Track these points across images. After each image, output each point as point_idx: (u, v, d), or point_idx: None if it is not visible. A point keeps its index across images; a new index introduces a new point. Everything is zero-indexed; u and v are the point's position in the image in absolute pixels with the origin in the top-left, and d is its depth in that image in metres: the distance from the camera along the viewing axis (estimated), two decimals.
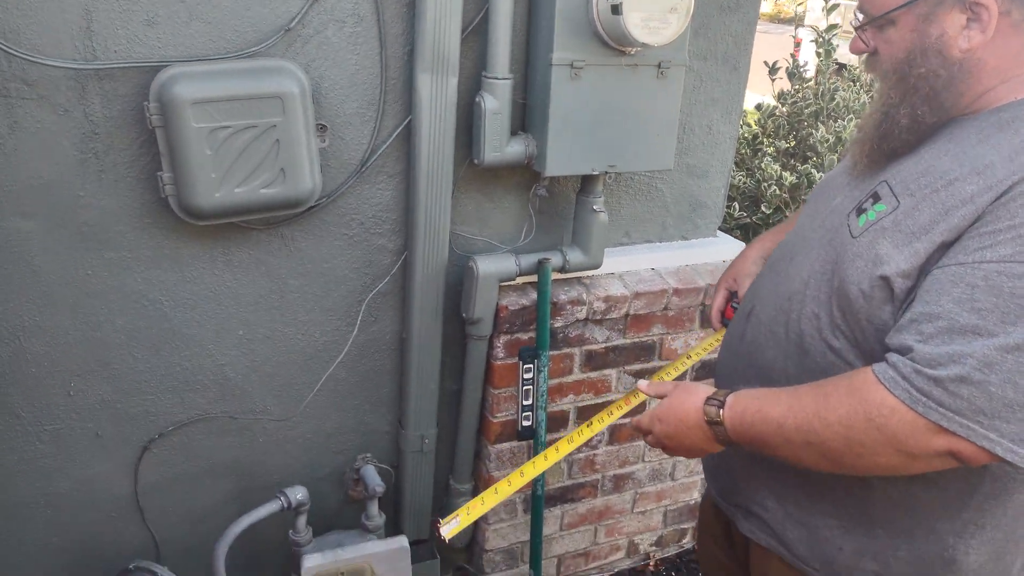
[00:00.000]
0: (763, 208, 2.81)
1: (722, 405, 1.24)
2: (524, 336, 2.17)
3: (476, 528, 2.44)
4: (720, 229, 2.55)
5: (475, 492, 2.40)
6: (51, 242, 1.70)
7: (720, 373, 1.52)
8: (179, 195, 1.65)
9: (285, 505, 1.98)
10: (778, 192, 2.77)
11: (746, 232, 2.88)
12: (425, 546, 2.39)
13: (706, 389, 1.31)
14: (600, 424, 1.70)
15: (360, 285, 2.05)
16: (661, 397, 1.39)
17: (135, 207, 1.72)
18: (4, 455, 1.87)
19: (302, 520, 2.04)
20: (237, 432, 2.07)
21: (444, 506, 2.43)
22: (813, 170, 2.71)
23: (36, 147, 1.59)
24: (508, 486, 1.56)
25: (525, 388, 2.17)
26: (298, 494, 1.99)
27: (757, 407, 1.21)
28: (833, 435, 1.12)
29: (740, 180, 2.84)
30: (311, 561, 1.96)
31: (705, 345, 1.94)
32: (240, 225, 1.82)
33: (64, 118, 1.58)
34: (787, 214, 2.82)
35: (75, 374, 1.85)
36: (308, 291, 1.99)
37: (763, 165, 2.77)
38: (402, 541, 2.06)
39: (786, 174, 2.77)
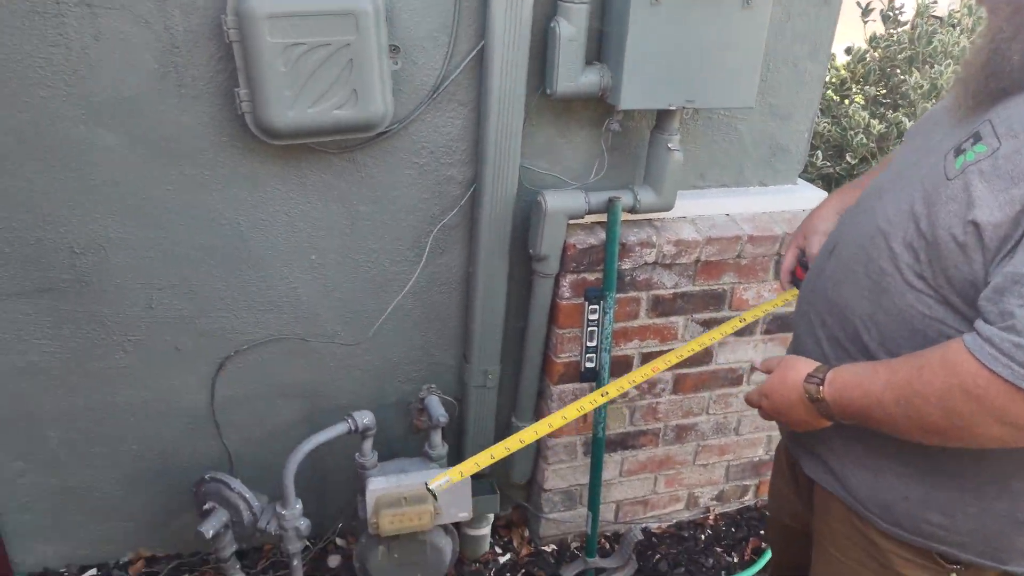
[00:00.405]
0: (848, 158, 2.69)
1: (821, 382, 1.22)
2: (591, 277, 2.16)
3: (535, 467, 2.46)
4: (801, 177, 2.46)
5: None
6: (133, 156, 1.77)
7: (798, 309, 1.48)
8: (255, 112, 1.69)
9: (352, 428, 2.03)
10: (865, 141, 2.65)
11: (828, 183, 2.77)
12: (485, 482, 2.43)
13: (807, 364, 1.27)
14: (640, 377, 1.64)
15: (428, 216, 2.06)
16: (769, 372, 1.37)
17: (213, 124, 1.78)
18: (91, 362, 1.98)
19: (368, 444, 2.09)
20: (308, 355, 2.14)
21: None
22: (904, 118, 2.58)
23: (119, 59, 1.66)
24: (519, 443, 1.62)
25: (590, 329, 2.16)
26: (365, 418, 2.04)
27: (856, 383, 1.18)
28: (933, 410, 1.09)
29: (825, 127, 2.73)
30: (375, 484, 2.02)
31: (766, 306, 1.88)
32: (314, 147, 1.86)
33: (145, 30, 1.64)
34: (873, 165, 2.70)
35: (156, 288, 1.93)
36: (378, 219, 2.02)
37: (850, 112, 2.65)
38: None
39: (874, 122, 2.64)
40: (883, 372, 1.15)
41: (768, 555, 2.55)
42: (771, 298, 2.37)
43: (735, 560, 2.55)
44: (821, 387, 1.21)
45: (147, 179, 1.80)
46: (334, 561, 2.37)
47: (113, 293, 1.91)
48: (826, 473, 1.41)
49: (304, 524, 2.00)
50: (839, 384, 1.20)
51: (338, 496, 2.40)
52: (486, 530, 2.44)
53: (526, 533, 2.58)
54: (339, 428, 2.02)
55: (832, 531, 1.42)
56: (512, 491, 2.56)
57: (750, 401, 1.41)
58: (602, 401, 1.77)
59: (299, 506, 2.00)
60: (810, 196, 2.39)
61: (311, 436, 1.99)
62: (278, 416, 2.20)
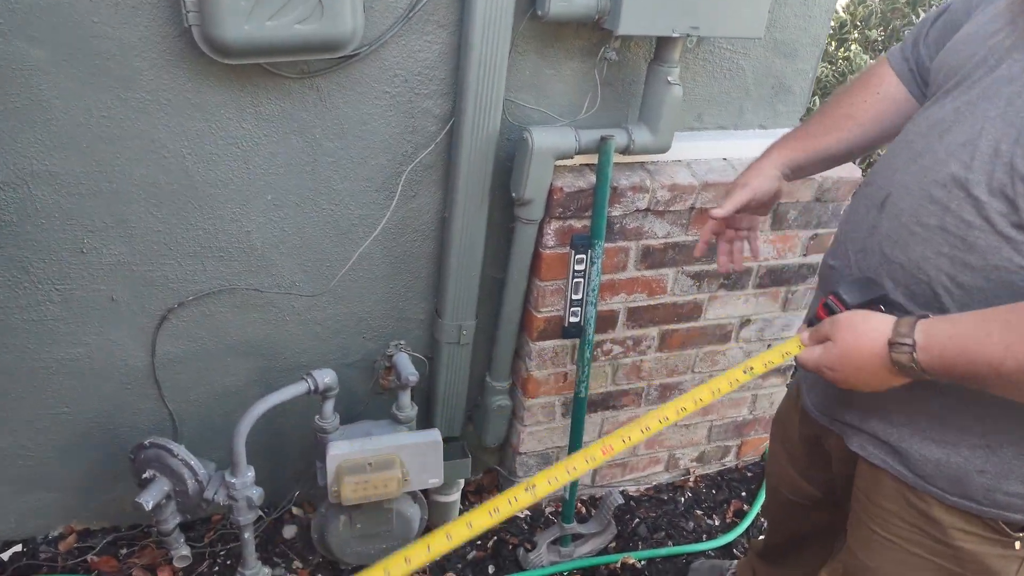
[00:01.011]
0: None
1: (913, 348, 1.03)
2: (578, 224, 1.97)
3: (510, 428, 2.30)
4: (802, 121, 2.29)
5: (513, 391, 2.25)
6: (62, 76, 1.51)
7: (844, 272, 1.30)
8: (203, 25, 1.44)
9: (312, 387, 1.83)
10: None
11: None
12: (456, 444, 2.26)
13: (881, 326, 1.08)
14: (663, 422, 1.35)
15: (401, 154, 1.84)
16: (823, 341, 1.17)
17: (155, 40, 1.52)
18: (13, 314, 1.73)
19: (329, 406, 1.89)
20: (263, 308, 1.92)
21: (479, 404, 2.28)
22: None
23: None
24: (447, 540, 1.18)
25: (575, 280, 1.98)
26: (326, 377, 1.84)
27: (960, 348, 1.00)
28: None
29: (823, 71, 2.56)
30: (337, 449, 1.82)
31: (773, 356, 1.37)
32: (271, 70, 1.61)
33: None
34: None
35: (88, 229, 1.68)
36: (344, 156, 1.79)
37: (850, 55, 2.48)
38: (434, 434, 1.91)
39: None
40: (996, 329, 0.97)
41: (751, 516, 2.45)
42: (767, 248, 2.22)
43: (716, 523, 2.44)
44: (914, 353, 1.03)
45: (79, 102, 1.54)
46: (290, 532, 2.19)
47: (38, 235, 1.65)
48: (878, 448, 1.27)
49: (256, 493, 1.80)
50: (936, 349, 1.02)
51: (295, 461, 2.20)
52: (456, 496, 2.28)
53: None
54: (297, 388, 1.82)
55: (879, 509, 1.29)
56: (484, 454, 2.40)
57: (804, 367, 1.21)
58: (521, 504, 1.23)
59: (251, 474, 1.80)
60: None
61: (265, 396, 1.78)
62: (228, 376, 1.98)
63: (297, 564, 2.10)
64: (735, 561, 2.20)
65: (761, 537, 2.40)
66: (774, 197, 1.48)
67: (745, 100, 2.12)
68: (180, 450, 1.80)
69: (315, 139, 1.75)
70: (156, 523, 1.86)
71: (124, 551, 2.05)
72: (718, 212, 1.45)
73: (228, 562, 2.05)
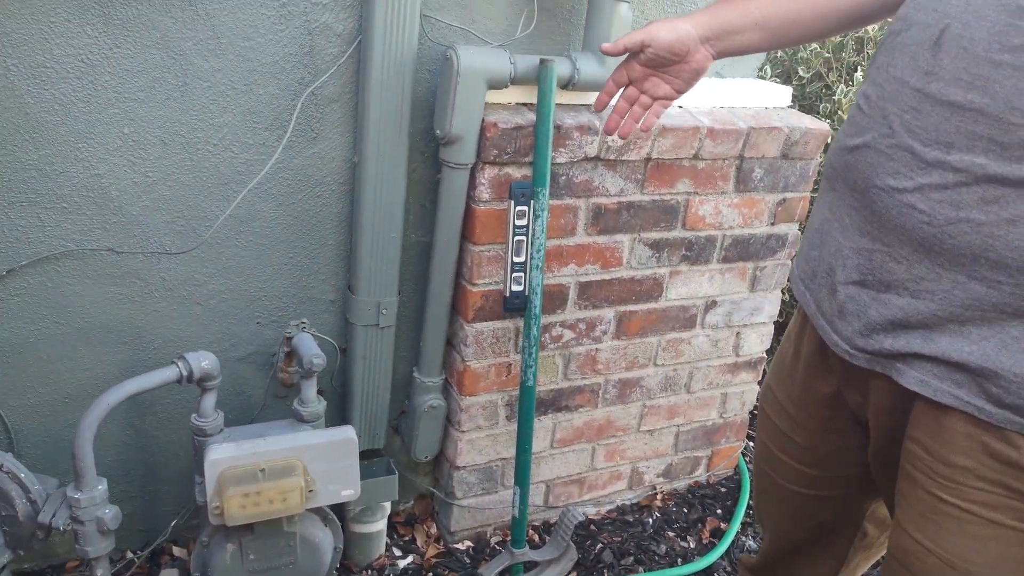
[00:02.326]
0: (800, 72, 2.32)
1: None
2: (517, 173, 1.65)
3: (445, 436, 1.91)
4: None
5: (446, 389, 1.87)
6: None
7: (882, 147, 0.99)
8: None
9: (184, 374, 1.42)
10: (820, 50, 2.29)
11: None
12: (380, 461, 1.85)
13: None
14: None
15: (296, 81, 1.50)
16: None
17: None
18: None
19: (209, 400, 1.48)
20: (123, 279, 1.51)
21: (406, 409, 1.89)
22: None
23: None
24: None
25: (517, 239, 1.64)
26: (203, 361, 1.44)
27: None
28: None
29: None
30: (218, 453, 1.41)
31: None
32: None
33: None
34: (830, 78, 2.33)
35: None
36: (221, 79, 1.44)
37: None
38: (347, 431, 1.52)
39: None
40: None
41: (731, 535, 2.08)
42: (732, 214, 1.93)
43: (691, 545, 2.07)
44: None
45: None
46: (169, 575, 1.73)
47: None
48: (946, 379, 0.96)
49: (109, 513, 1.36)
50: None
51: (174, 488, 1.76)
52: (381, 525, 1.86)
53: (433, 529, 2.01)
54: (165, 374, 1.41)
55: (946, 468, 0.97)
56: (415, 474, 1.99)
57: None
58: None
59: (101, 487, 1.37)
60: (774, 94, 1.98)
61: (121, 383, 1.37)
62: (79, 371, 1.56)
63: None
64: None
65: (748, 551, 2.04)
66: (676, 53, 1.24)
67: None
68: (7, 460, 1.36)
69: (184, 55, 1.40)
70: None
71: None
72: (605, 46, 1.26)
73: None
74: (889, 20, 1.16)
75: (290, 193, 1.58)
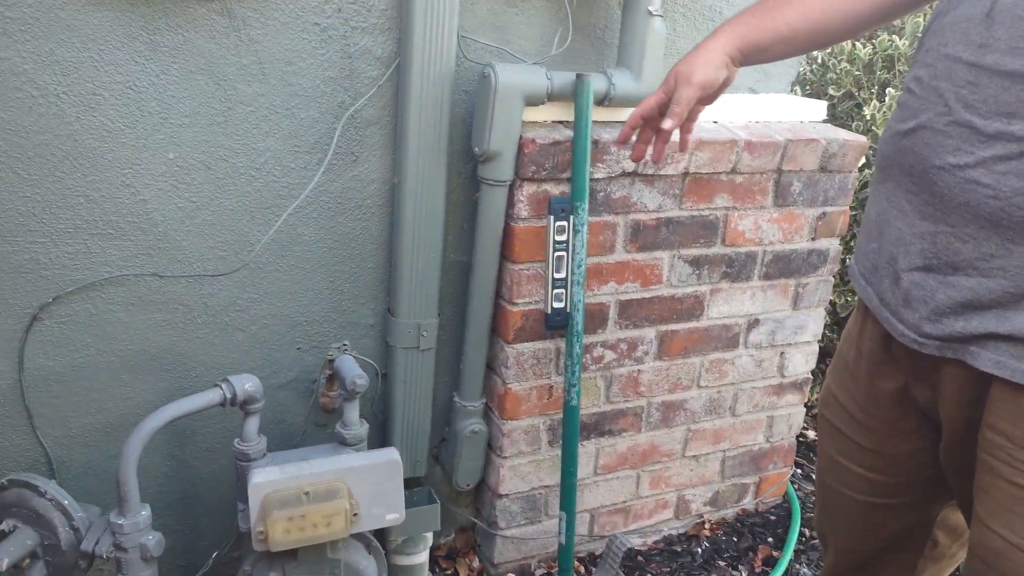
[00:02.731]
0: (831, 91, 2.31)
1: None
2: (555, 189, 1.64)
3: (487, 463, 1.87)
4: None
5: (487, 415, 1.84)
6: None
7: (938, 126, 0.97)
8: None
9: (227, 396, 1.41)
10: (849, 68, 2.28)
11: None
12: (422, 490, 1.82)
13: None
14: None
15: (336, 104, 1.52)
16: None
17: None
18: None
19: (252, 424, 1.47)
20: (166, 305, 1.51)
21: (448, 437, 1.86)
22: (896, 39, 2.23)
23: None
24: None
25: (557, 255, 1.63)
26: (246, 384, 1.43)
27: None
28: None
29: (801, 67, 2.34)
30: (262, 476, 1.39)
31: None
32: None
33: None
34: (860, 96, 2.32)
35: None
36: (265, 104, 1.46)
37: None
38: (391, 454, 1.49)
39: (859, 45, 2.29)
40: None
41: (784, 562, 2.01)
42: (771, 229, 1.91)
43: (743, 575, 1.99)
44: None
45: None
46: None
47: None
48: None
49: (153, 540, 1.34)
50: None
51: (215, 520, 1.73)
52: (423, 557, 1.81)
53: (475, 563, 1.96)
54: (207, 396, 1.40)
55: None
56: (456, 504, 1.95)
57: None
58: None
59: (145, 513, 1.34)
60: (809, 107, 1.97)
61: (164, 406, 1.35)
62: (123, 399, 1.55)
63: None
64: None
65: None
66: (722, 87, 1.22)
67: None
68: (50, 487, 1.35)
69: (227, 80, 1.42)
70: None
71: None
72: (667, 124, 1.18)
73: None
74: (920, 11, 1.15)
75: (331, 216, 1.59)
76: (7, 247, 1.37)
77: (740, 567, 2.02)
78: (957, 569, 1.41)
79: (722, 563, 2.03)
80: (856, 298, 1.24)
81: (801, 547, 2.09)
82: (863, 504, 1.29)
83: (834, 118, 2.45)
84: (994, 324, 0.93)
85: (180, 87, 1.39)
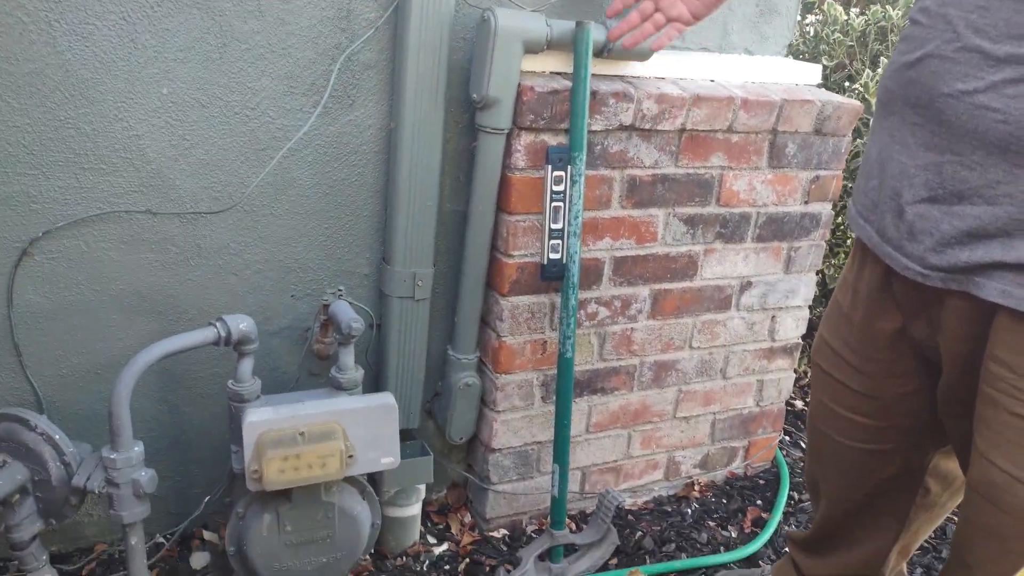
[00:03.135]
0: (823, 62, 2.32)
1: None
2: (552, 140, 1.63)
3: (480, 417, 1.86)
4: None
5: (481, 369, 1.83)
6: None
7: (947, 29, 0.96)
8: None
9: (222, 335, 1.39)
10: (842, 38, 2.29)
11: None
12: (415, 443, 1.81)
13: None
14: None
15: (333, 46, 1.50)
16: None
17: None
18: None
19: (246, 365, 1.45)
20: (158, 245, 1.50)
21: (441, 391, 1.85)
22: (889, 8, 2.24)
23: None
24: None
25: (554, 204, 1.62)
26: (241, 323, 1.41)
27: None
28: None
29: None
30: (257, 415, 1.37)
31: None
32: None
33: None
34: (854, 67, 2.33)
35: None
36: (260, 42, 1.44)
37: (824, 7, 2.29)
38: (386, 398, 1.48)
39: (853, 13, 2.30)
40: None
41: (774, 523, 2.02)
42: (765, 190, 1.92)
43: (733, 534, 2.00)
44: None
45: None
46: (199, 560, 1.67)
47: None
48: None
49: (146, 476, 1.32)
50: None
51: (206, 468, 1.72)
52: (415, 509, 1.81)
53: (467, 518, 1.96)
54: (201, 334, 1.38)
55: None
56: (448, 461, 1.94)
57: None
58: None
59: (138, 448, 1.33)
60: (804, 70, 1.97)
61: (156, 343, 1.34)
62: (113, 340, 1.53)
63: None
64: (767, 566, 1.76)
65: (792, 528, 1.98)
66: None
67: (729, 18, 1.88)
68: (40, 421, 1.33)
69: (223, 16, 1.40)
70: (6, 531, 1.35)
71: None
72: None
73: None
74: None
75: (326, 161, 1.57)
76: None
77: (730, 527, 2.03)
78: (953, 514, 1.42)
79: (712, 523, 2.03)
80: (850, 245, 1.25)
81: (790, 509, 2.10)
82: (855, 450, 1.30)
83: (826, 88, 2.46)
84: (1000, 253, 0.93)
85: (174, 20, 1.37)
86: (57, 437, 1.32)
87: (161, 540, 1.69)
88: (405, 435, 1.81)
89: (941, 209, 0.99)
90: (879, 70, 2.27)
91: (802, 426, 2.53)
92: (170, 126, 1.43)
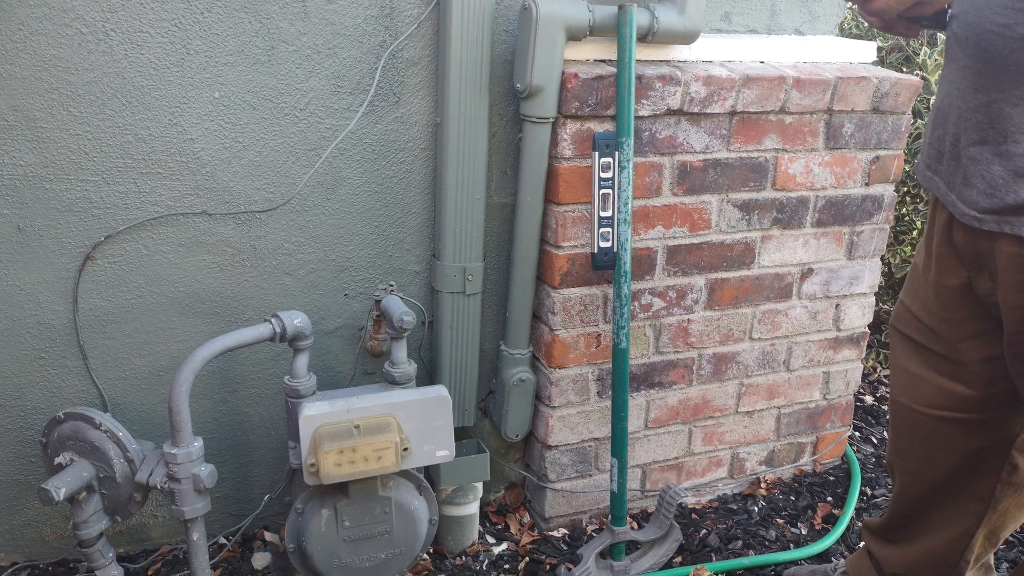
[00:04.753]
0: (879, 43, 2.25)
1: None
2: (599, 128, 1.62)
3: (535, 414, 1.84)
4: None
5: (535, 365, 1.81)
6: None
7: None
8: None
9: (277, 331, 1.41)
10: None
11: None
12: (470, 442, 1.80)
13: None
14: None
15: (377, 43, 1.52)
16: None
17: None
18: None
19: (302, 361, 1.47)
20: (215, 248, 1.53)
21: (495, 388, 1.84)
22: None
23: None
24: None
25: (603, 192, 1.60)
26: (295, 319, 1.43)
27: None
28: None
29: None
30: (312, 409, 1.38)
31: None
32: None
33: None
34: (910, 51, 2.24)
35: None
36: (308, 44, 1.47)
37: None
38: (439, 390, 1.48)
39: None
40: None
41: (846, 519, 1.94)
42: (823, 173, 1.86)
43: (803, 532, 1.93)
44: None
45: None
46: (261, 561, 1.68)
47: None
48: None
49: (206, 471, 1.34)
50: None
51: (266, 470, 1.73)
52: (473, 508, 1.79)
53: (526, 518, 1.93)
54: (258, 330, 1.40)
55: None
56: (504, 461, 1.93)
57: None
58: None
59: (198, 444, 1.35)
60: (858, 48, 1.91)
61: (214, 338, 1.36)
62: (173, 342, 1.57)
63: None
64: (841, 560, 1.68)
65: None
66: None
67: None
68: (105, 419, 1.36)
69: (270, 19, 1.43)
70: (73, 528, 1.38)
71: None
72: None
73: None
74: None
75: (374, 159, 1.59)
76: (59, 185, 1.39)
77: (799, 524, 1.95)
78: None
79: (780, 521, 1.96)
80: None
81: (863, 505, 2.02)
82: (934, 419, 1.24)
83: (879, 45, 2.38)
84: None
85: (224, 25, 1.40)
86: (121, 434, 1.35)
87: (224, 541, 1.71)
88: (460, 434, 1.80)
89: (990, 150, 0.97)
90: (938, 47, 2.19)
91: (872, 421, 2.44)
92: (222, 129, 1.46)
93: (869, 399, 2.55)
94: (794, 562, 1.81)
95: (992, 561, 1.44)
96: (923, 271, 1.20)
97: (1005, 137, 0.94)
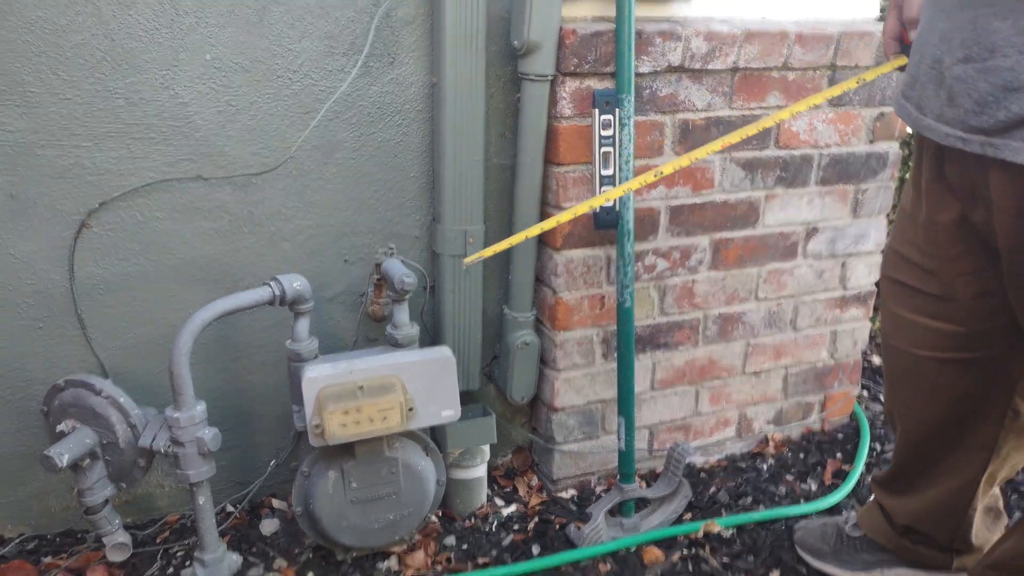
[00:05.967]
0: (881, 5, 2.21)
1: None
2: (598, 85, 1.59)
3: (541, 378, 1.83)
4: None
5: (539, 328, 1.80)
6: None
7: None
8: None
9: (276, 294, 1.40)
10: None
11: None
12: (475, 405, 1.79)
13: None
14: None
15: (370, 2, 1.49)
16: None
17: None
18: None
19: (303, 324, 1.46)
20: (212, 213, 1.51)
21: (499, 353, 1.83)
22: None
23: None
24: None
25: (604, 150, 1.58)
26: (295, 282, 1.42)
27: None
28: None
29: None
30: (315, 371, 1.37)
31: (879, 70, 1.33)
32: None
33: None
34: None
35: None
36: (299, 3, 1.44)
37: None
38: (443, 351, 1.47)
39: None
40: None
41: (857, 473, 1.93)
42: (827, 130, 1.83)
43: (813, 487, 1.92)
44: None
45: None
46: (269, 527, 1.68)
47: None
48: None
49: (209, 434, 1.33)
50: None
51: (271, 438, 1.73)
52: (481, 471, 1.79)
53: (534, 481, 1.93)
54: (257, 293, 1.39)
55: None
56: (511, 425, 1.92)
57: None
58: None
59: (201, 407, 1.34)
60: (861, 5, 1.88)
61: (213, 302, 1.35)
62: (172, 310, 1.55)
63: (280, 562, 1.59)
64: (852, 513, 1.67)
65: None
66: None
67: None
68: (105, 385, 1.36)
69: None
70: (78, 495, 1.38)
71: (48, 558, 1.54)
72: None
73: (187, 563, 1.54)
74: None
75: (371, 122, 1.56)
76: (51, 151, 1.38)
77: (809, 480, 1.95)
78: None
79: (790, 477, 1.96)
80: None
81: (872, 460, 2.01)
82: (931, 361, 1.23)
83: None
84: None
85: None
86: (122, 400, 1.34)
87: (231, 509, 1.71)
88: (466, 398, 1.79)
89: (976, 67, 0.96)
90: None
91: (880, 381, 2.42)
92: (215, 92, 1.44)
93: (877, 360, 2.54)
94: (805, 516, 1.80)
95: (1001, 505, 1.43)
96: (912, 211, 1.19)
97: (992, 52, 0.93)
